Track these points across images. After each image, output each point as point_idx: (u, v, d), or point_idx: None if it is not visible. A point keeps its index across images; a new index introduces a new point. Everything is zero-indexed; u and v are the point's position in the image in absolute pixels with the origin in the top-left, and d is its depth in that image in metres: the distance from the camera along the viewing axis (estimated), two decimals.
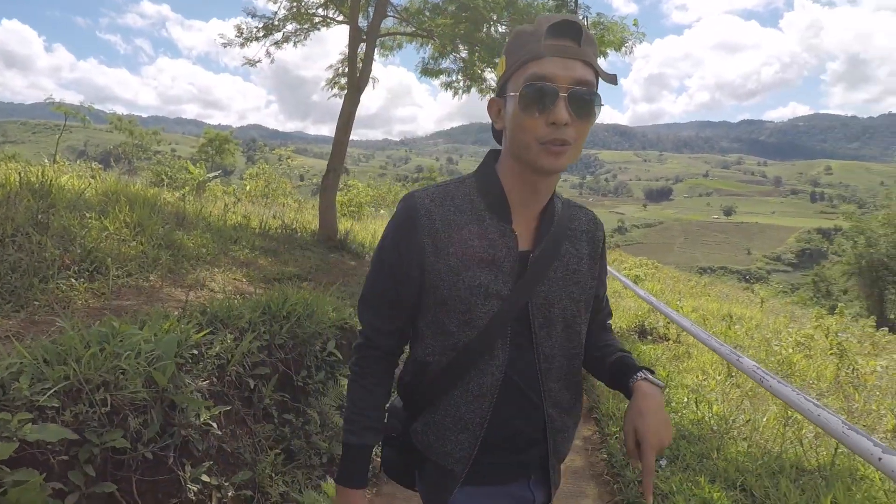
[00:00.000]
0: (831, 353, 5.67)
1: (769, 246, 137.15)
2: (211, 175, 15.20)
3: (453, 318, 1.00)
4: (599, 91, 0.97)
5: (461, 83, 9.56)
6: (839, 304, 13.87)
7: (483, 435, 1.01)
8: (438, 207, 1.02)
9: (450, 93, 9.78)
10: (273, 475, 2.41)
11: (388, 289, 1.05)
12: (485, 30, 8.16)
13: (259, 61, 9.39)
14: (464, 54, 8.96)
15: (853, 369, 5.50)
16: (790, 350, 5.96)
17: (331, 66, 10.09)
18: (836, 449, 3.00)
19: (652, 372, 1.04)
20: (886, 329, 13.69)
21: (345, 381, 3.48)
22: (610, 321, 1.24)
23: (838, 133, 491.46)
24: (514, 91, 0.94)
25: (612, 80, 0.96)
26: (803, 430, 3.43)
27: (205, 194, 10.14)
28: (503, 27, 8.23)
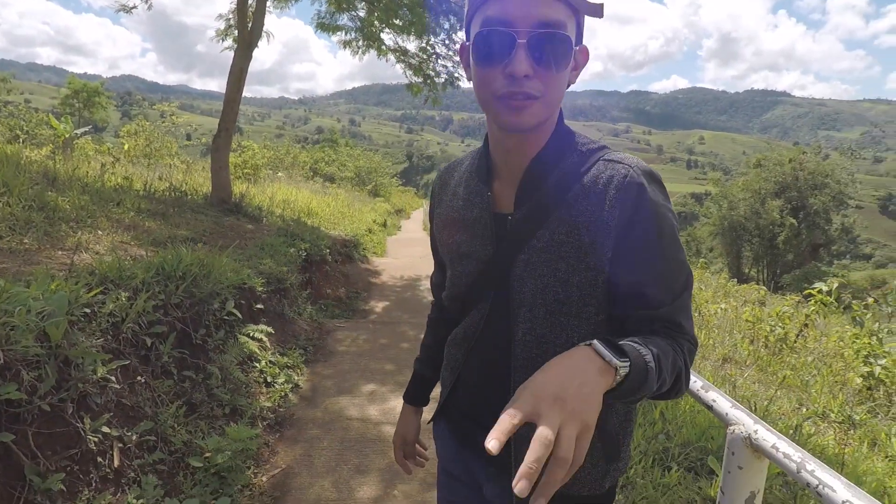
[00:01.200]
0: None
1: None
2: (79, 131, 13.68)
3: (448, 275, 1.05)
4: (583, 25, 0.83)
5: (360, 42, 9.36)
6: (701, 260, 15.81)
7: (454, 382, 1.04)
8: (447, 174, 1.09)
9: (343, 48, 9.52)
10: (175, 426, 2.51)
11: (435, 253, 1.18)
12: None
13: (135, 7, 8.55)
14: (361, 13, 8.79)
15: (699, 313, 6.52)
16: None
17: (220, 16, 9.41)
18: None
19: (615, 347, 0.69)
20: (735, 280, 15.91)
21: (244, 340, 3.58)
22: (676, 334, 0.82)
23: (710, 106, 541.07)
24: (469, 40, 0.83)
25: (597, 11, 0.81)
26: None
27: (73, 153, 9.20)
28: None
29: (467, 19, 0.85)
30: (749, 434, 0.85)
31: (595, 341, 0.68)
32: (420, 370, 1.28)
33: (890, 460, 2.90)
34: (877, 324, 5.34)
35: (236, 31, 9.03)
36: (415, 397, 1.27)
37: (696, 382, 1.10)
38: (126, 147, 14.79)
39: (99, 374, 2.17)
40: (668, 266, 0.81)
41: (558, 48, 0.77)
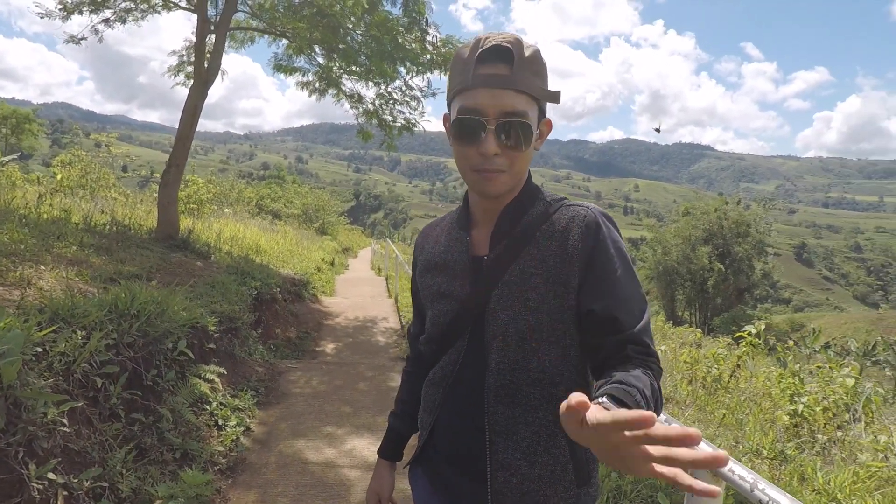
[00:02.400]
0: None
1: None
2: (6, 159, 12.90)
3: (428, 317, 1.12)
4: (548, 109, 0.98)
5: (317, 85, 9.50)
6: None
7: (433, 423, 1.08)
8: (430, 228, 1.20)
9: (301, 89, 9.62)
10: (124, 471, 2.39)
11: (415, 301, 1.24)
12: (342, 36, 8.30)
13: (85, 38, 8.37)
14: (321, 59, 8.98)
15: None
16: None
17: (174, 52, 9.34)
18: None
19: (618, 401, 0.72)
20: (671, 322, 16.72)
21: (195, 381, 3.47)
22: (645, 357, 0.87)
23: (644, 156, 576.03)
24: (448, 122, 0.99)
25: (555, 98, 0.95)
26: None
27: None
28: (360, 36, 8.46)
29: (448, 98, 0.99)
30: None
31: (603, 399, 0.72)
32: (395, 425, 1.27)
33: (818, 493, 3.14)
34: (798, 364, 5.80)
35: (190, 67, 9.00)
36: (390, 452, 1.27)
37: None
38: (59, 177, 14.05)
39: (49, 417, 2.07)
40: (630, 293, 0.91)
41: (520, 132, 0.91)
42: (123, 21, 8.30)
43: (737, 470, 0.93)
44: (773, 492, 0.85)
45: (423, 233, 1.22)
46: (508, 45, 0.90)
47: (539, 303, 0.94)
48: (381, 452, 1.28)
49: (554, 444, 0.95)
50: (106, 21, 8.12)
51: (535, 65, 0.92)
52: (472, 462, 1.00)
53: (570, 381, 0.96)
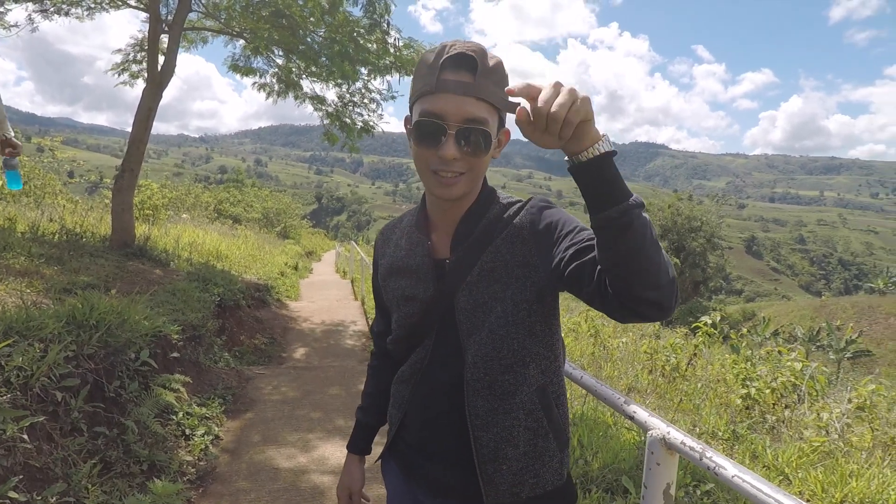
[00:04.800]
0: (590, 335, 7.17)
1: None
2: None
3: (394, 318, 1.15)
4: (506, 119, 0.99)
5: (276, 86, 9.35)
6: None
7: (402, 418, 1.12)
8: (389, 230, 1.22)
9: (258, 91, 9.42)
10: (90, 486, 2.34)
11: (377, 299, 1.26)
12: (301, 36, 8.21)
13: (16, 25, 7.97)
14: (279, 60, 8.86)
15: (604, 346, 7.05)
16: (563, 334, 7.35)
17: (119, 51, 9.04)
18: (584, 404, 3.95)
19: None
20: None
21: (160, 391, 3.40)
22: None
23: None
24: (410, 124, 1.00)
25: (513, 108, 0.92)
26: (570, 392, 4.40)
27: None
28: (320, 37, 8.39)
29: (411, 101, 1.01)
30: (664, 435, 1.07)
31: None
32: (363, 419, 1.30)
33: (767, 468, 3.34)
34: (750, 351, 6.11)
35: (135, 66, 8.70)
36: (359, 446, 1.30)
37: (618, 399, 1.32)
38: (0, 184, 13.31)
39: (9, 433, 2.01)
40: (579, 225, 0.95)
41: (480, 139, 0.93)
42: (66, 14, 7.96)
43: (688, 442, 1.02)
44: (719, 458, 0.95)
45: (382, 234, 1.24)
46: (473, 54, 0.92)
47: (503, 291, 0.99)
48: (350, 447, 1.31)
49: (532, 419, 1.00)
50: (44, 12, 7.76)
51: (497, 75, 0.94)
52: (448, 453, 1.05)
53: (539, 356, 1.01)
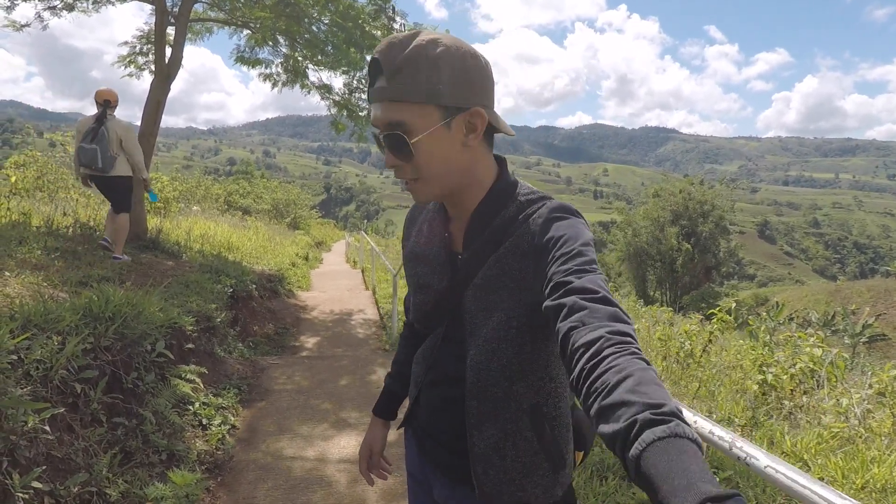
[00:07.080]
0: None
1: None
2: None
3: (412, 301, 1.16)
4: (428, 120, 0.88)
5: (282, 77, 9.32)
6: (610, 284, 16.92)
7: (417, 396, 1.14)
8: (416, 210, 1.20)
9: (264, 81, 9.38)
10: (111, 476, 2.37)
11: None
12: (306, 25, 8.15)
13: (27, 25, 7.99)
14: (284, 49, 8.81)
15: None
16: None
17: (126, 43, 9.04)
18: None
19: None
20: (642, 301, 17.13)
21: (176, 382, 3.43)
22: (595, 306, 0.74)
23: (612, 140, 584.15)
24: None
25: (463, 90, 0.88)
26: None
27: None
28: (325, 25, 8.32)
29: None
30: (691, 423, 1.05)
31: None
32: (390, 385, 1.33)
33: (786, 455, 3.31)
34: (768, 336, 6.04)
35: (142, 58, 8.70)
36: (383, 411, 1.33)
37: None
38: (13, 179, 13.49)
39: (30, 425, 2.03)
40: (577, 248, 0.84)
41: (393, 143, 0.88)
42: (71, 9, 7.96)
43: (717, 431, 1.00)
44: (750, 448, 0.92)
45: (410, 213, 1.23)
46: (377, 56, 0.87)
47: (501, 301, 0.94)
48: (376, 410, 1.34)
49: (520, 437, 0.97)
50: (52, 8, 7.77)
51: (417, 63, 0.85)
52: (448, 440, 1.06)
53: (529, 376, 0.96)
